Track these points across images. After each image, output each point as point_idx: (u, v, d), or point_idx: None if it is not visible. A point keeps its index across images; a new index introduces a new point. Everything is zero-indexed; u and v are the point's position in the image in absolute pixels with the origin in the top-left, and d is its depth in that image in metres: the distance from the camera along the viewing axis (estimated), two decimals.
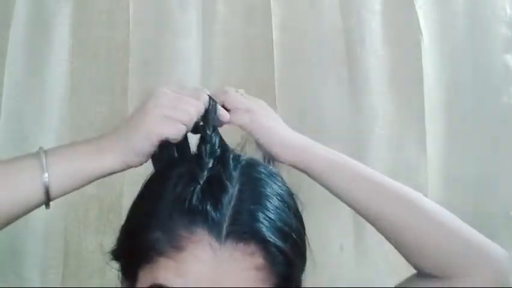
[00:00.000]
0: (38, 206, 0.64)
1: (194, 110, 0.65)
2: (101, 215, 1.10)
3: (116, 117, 1.10)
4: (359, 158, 1.11)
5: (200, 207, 0.59)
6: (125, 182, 1.06)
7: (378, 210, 0.69)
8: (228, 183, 0.61)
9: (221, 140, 0.66)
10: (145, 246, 0.60)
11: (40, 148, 0.65)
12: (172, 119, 0.63)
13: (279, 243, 0.60)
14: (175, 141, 0.64)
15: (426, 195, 1.08)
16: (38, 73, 1.11)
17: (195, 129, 0.66)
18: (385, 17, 1.16)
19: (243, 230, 0.59)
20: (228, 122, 0.70)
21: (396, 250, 0.70)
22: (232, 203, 0.60)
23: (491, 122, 1.16)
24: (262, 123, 0.71)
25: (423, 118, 1.14)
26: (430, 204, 0.70)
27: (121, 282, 0.67)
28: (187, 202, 0.59)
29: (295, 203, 0.66)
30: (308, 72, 1.16)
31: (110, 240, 0.67)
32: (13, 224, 0.64)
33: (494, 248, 0.68)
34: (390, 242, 0.70)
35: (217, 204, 0.59)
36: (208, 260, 0.58)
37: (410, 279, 0.72)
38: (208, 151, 0.63)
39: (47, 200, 0.63)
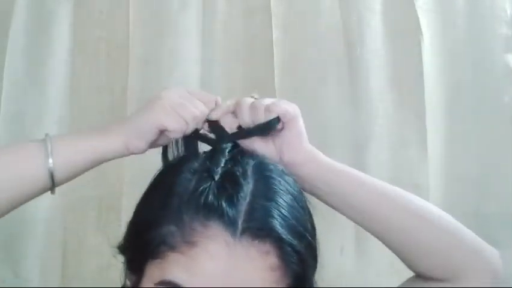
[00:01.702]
0: (43, 191, 0.64)
1: (199, 114, 0.67)
2: (100, 215, 1.10)
3: (116, 117, 1.10)
4: (359, 157, 1.13)
5: (216, 203, 0.58)
6: (124, 182, 1.06)
7: (382, 217, 0.68)
8: (242, 180, 0.61)
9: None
10: (156, 240, 0.59)
11: (47, 134, 0.65)
12: (177, 114, 0.65)
13: (294, 242, 0.59)
14: (174, 136, 0.67)
15: (427, 195, 1.10)
16: (38, 73, 1.11)
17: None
18: (385, 16, 1.16)
19: (258, 226, 0.58)
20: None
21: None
22: (247, 200, 0.59)
23: (492, 122, 1.16)
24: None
25: (423, 118, 1.13)
26: (431, 207, 0.70)
27: (126, 278, 0.67)
28: (202, 198, 0.59)
29: (306, 204, 0.65)
30: (308, 72, 1.16)
31: (109, 241, 0.66)
32: (13, 225, 0.64)
33: (490, 249, 0.68)
34: (387, 246, 0.69)
35: (232, 200, 0.58)
36: (222, 256, 0.56)
37: (409, 281, 0.71)
38: (221, 148, 0.65)
39: (52, 186, 0.64)
